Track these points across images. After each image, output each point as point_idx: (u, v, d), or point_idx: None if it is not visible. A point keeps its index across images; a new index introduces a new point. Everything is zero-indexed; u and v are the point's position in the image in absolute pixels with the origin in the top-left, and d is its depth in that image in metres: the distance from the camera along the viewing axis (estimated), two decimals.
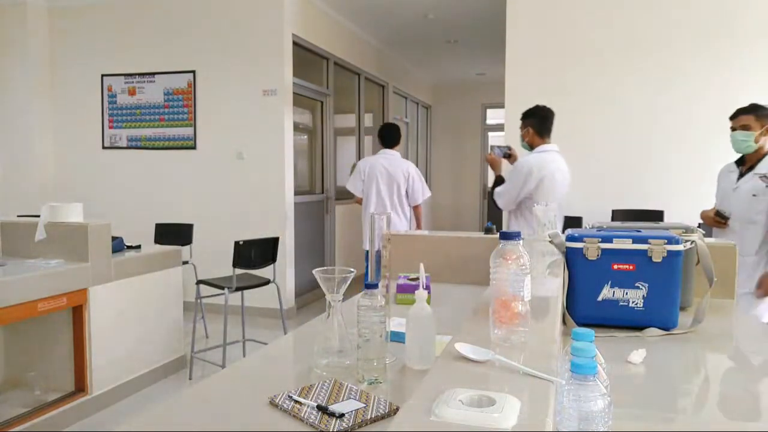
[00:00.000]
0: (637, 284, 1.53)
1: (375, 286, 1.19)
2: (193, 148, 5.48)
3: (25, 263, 3.06)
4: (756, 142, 2.85)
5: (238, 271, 3.77)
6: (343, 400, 1.08)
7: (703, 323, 1.56)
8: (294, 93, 5.39)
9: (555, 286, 1.47)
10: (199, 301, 4.02)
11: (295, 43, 5.38)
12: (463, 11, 6.17)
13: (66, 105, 5.88)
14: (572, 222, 4.27)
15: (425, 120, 10.49)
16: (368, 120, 7.73)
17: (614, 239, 1.55)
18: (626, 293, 1.54)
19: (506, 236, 1.06)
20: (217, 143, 5.41)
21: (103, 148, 5.79)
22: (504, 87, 4.91)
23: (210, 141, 5.44)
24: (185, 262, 4.18)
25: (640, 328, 1.53)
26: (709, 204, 3.19)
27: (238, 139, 5.34)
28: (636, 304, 1.53)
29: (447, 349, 0.95)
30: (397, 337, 1.38)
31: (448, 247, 2.23)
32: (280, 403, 1.07)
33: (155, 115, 5.58)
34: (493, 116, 10.22)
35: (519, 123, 3.49)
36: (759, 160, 2.88)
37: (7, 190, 5.77)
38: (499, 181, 3.48)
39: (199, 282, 3.85)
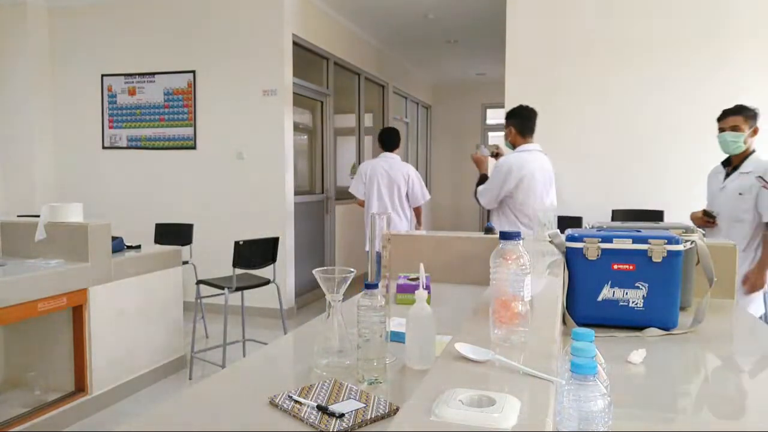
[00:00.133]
0: (637, 284, 1.53)
1: (375, 286, 1.19)
2: (193, 148, 5.48)
3: (25, 263, 3.06)
4: (744, 143, 2.92)
5: (238, 271, 3.77)
6: (343, 400, 1.08)
7: (703, 323, 1.56)
8: (294, 93, 5.39)
9: (555, 286, 1.47)
10: (199, 301, 4.02)
11: (295, 43, 5.38)
12: (463, 11, 6.17)
13: (66, 105, 5.88)
14: (572, 222, 4.27)
15: (425, 120, 10.49)
16: (368, 120, 7.73)
17: (614, 239, 1.55)
18: (626, 293, 1.54)
19: (506, 236, 1.06)
20: (217, 143, 5.41)
21: (103, 148, 5.79)
22: (504, 87, 4.90)
23: (210, 141, 5.44)
24: (185, 262, 4.18)
25: (640, 328, 1.53)
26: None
27: (238, 139, 5.34)
28: (636, 304, 1.53)
29: (447, 349, 0.95)
30: (397, 337, 1.38)
31: (448, 247, 2.23)
32: (280, 403, 1.07)
33: (155, 115, 5.58)
34: (493, 116, 10.22)
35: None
36: (743, 160, 2.96)
37: (7, 190, 5.77)
38: (483, 179, 3.53)
39: (199, 282, 3.85)
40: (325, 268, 1.22)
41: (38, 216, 3.31)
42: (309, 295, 5.89)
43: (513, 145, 3.44)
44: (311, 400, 1.08)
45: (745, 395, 1.20)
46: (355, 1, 5.91)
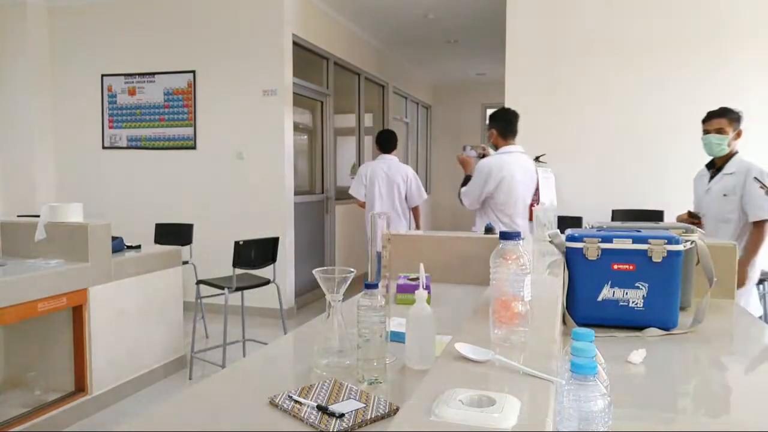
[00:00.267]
0: (637, 284, 1.53)
1: (375, 286, 1.19)
2: (193, 148, 5.48)
3: (25, 263, 3.06)
4: (728, 145, 2.96)
5: (238, 271, 3.77)
6: (343, 400, 1.08)
7: (703, 323, 1.56)
8: (294, 93, 5.39)
9: (555, 286, 1.47)
10: (199, 301, 4.02)
11: (295, 43, 5.38)
12: (463, 11, 6.17)
13: (66, 105, 5.88)
14: (572, 222, 4.27)
15: (425, 120, 10.49)
16: (368, 120, 7.73)
17: (614, 239, 1.55)
18: (626, 293, 1.53)
19: (506, 236, 1.06)
20: (217, 143, 5.41)
21: (103, 148, 5.79)
22: (504, 87, 4.90)
23: (210, 141, 5.44)
24: (185, 262, 4.18)
25: (640, 328, 1.53)
26: None
27: (238, 139, 5.34)
28: (636, 304, 1.53)
29: (447, 349, 0.95)
30: (397, 337, 1.38)
31: (448, 247, 2.23)
32: (280, 403, 1.07)
33: (155, 115, 5.58)
34: None
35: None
36: (726, 161, 3.00)
37: (7, 190, 5.77)
38: (468, 180, 3.59)
39: (199, 282, 3.85)
40: (325, 268, 1.22)
41: (38, 216, 3.31)
42: (309, 295, 5.89)
43: (495, 147, 3.52)
44: (311, 400, 1.08)
45: (745, 395, 1.20)
46: (355, 1, 5.91)
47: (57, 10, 5.82)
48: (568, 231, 1.66)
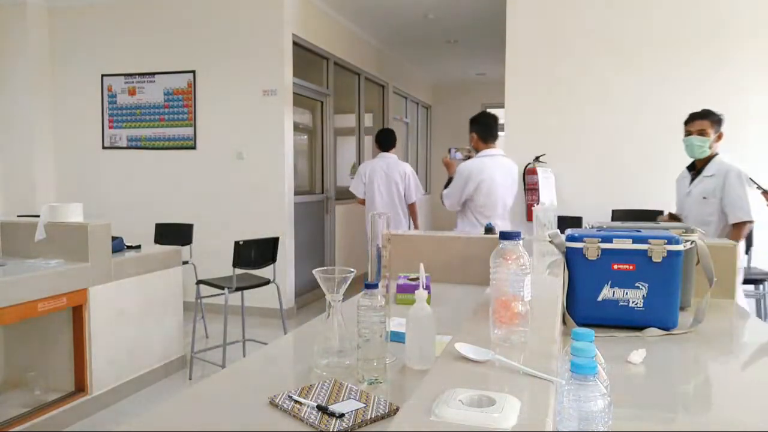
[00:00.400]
0: (637, 284, 1.53)
1: (375, 286, 1.19)
2: (193, 148, 5.48)
3: (25, 263, 3.06)
4: (709, 147, 2.97)
5: (238, 271, 3.77)
6: (343, 400, 1.08)
7: (703, 323, 1.56)
8: (294, 93, 5.39)
9: (555, 286, 1.47)
10: (199, 301, 4.02)
11: (295, 43, 5.38)
12: (463, 11, 6.17)
13: (66, 105, 5.88)
14: (572, 222, 4.27)
15: (425, 120, 10.49)
16: (368, 120, 7.73)
17: (614, 239, 1.55)
18: (626, 293, 1.53)
19: (506, 236, 1.06)
20: (217, 143, 5.41)
21: (103, 148, 5.79)
22: (504, 87, 4.90)
23: (210, 141, 5.44)
24: (185, 262, 4.18)
25: (640, 328, 1.53)
26: None
27: (238, 139, 5.34)
28: (636, 304, 1.53)
29: (447, 349, 0.95)
30: (397, 337, 1.38)
31: (448, 247, 2.23)
32: (280, 403, 1.07)
33: (155, 115, 5.58)
34: None
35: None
36: (706, 163, 3.01)
37: (7, 190, 5.77)
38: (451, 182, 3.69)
39: (199, 282, 3.85)
40: (325, 268, 1.22)
41: (38, 216, 3.31)
42: (309, 295, 5.89)
43: (476, 150, 3.62)
44: (311, 400, 1.08)
45: (745, 395, 1.20)
46: (355, 1, 5.91)
47: (57, 10, 5.82)
48: (568, 231, 1.65)
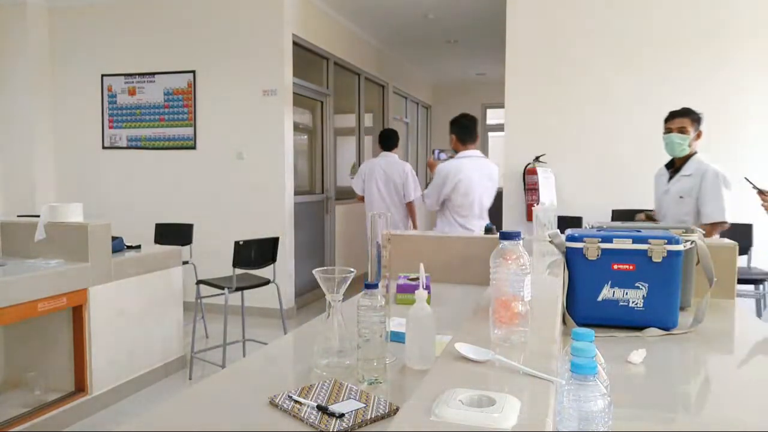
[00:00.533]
0: (637, 284, 1.53)
1: (375, 286, 1.19)
2: (193, 148, 5.48)
3: (25, 263, 3.06)
4: (689, 145, 2.96)
5: (238, 271, 3.77)
6: (343, 400, 1.08)
7: (703, 323, 1.56)
8: (294, 93, 5.39)
9: (555, 286, 1.47)
10: (199, 301, 4.02)
11: (295, 43, 5.38)
12: (463, 11, 6.17)
13: (66, 105, 5.88)
14: (572, 222, 4.27)
15: (425, 120, 10.49)
16: (368, 120, 7.73)
17: (614, 239, 1.55)
18: (626, 293, 1.53)
19: (506, 236, 1.06)
20: (217, 143, 5.41)
21: (103, 148, 5.79)
22: (504, 87, 4.90)
23: (210, 141, 5.44)
24: (185, 262, 4.18)
25: (640, 328, 1.53)
26: None
27: (238, 139, 5.34)
28: (636, 304, 1.53)
29: (447, 349, 0.95)
30: (397, 337, 1.38)
31: (448, 247, 2.23)
32: (280, 403, 1.07)
33: (155, 115, 5.58)
34: (493, 116, 10.22)
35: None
36: (684, 162, 2.99)
37: (7, 190, 5.77)
38: None
39: (199, 282, 3.85)
40: (325, 268, 1.22)
41: (38, 216, 3.31)
42: (309, 295, 5.89)
43: (455, 152, 3.74)
44: (311, 400, 1.08)
45: (744, 395, 1.20)
46: (355, 1, 5.91)
47: (57, 10, 5.82)
48: (568, 231, 1.65)
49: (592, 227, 1.82)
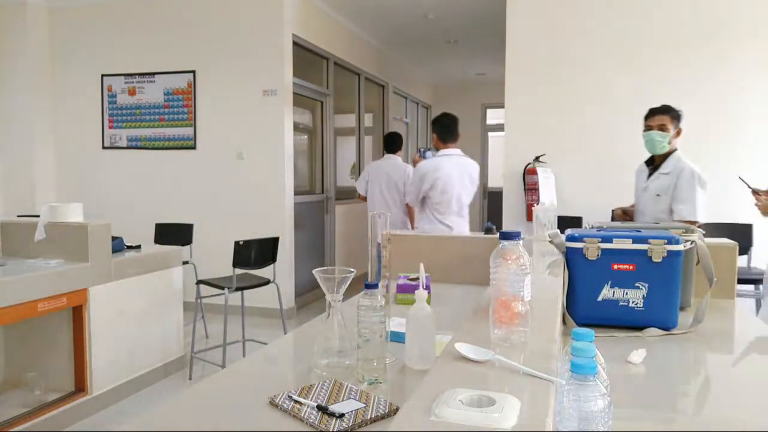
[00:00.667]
0: (637, 284, 1.53)
1: (375, 286, 1.19)
2: (193, 148, 5.48)
3: (25, 263, 3.06)
4: (669, 143, 2.95)
5: (238, 271, 3.77)
6: (343, 400, 1.08)
7: (703, 323, 1.56)
8: (294, 93, 5.39)
9: (555, 286, 1.47)
10: (199, 301, 4.02)
11: (295, 43, 5.38)
12: (463, 11, 6.17)
13: (66, 105, 5.88)
14: (572, 222, 4.27)
15: (425, 120, 10.49)
16: (368, 120, 7.73)
17: (614, 239, 1.55)
18: (626, 293, 1.53)
19: (506, 236, 1.06)
20: (217, 143, 5.41)
21: (103, 148, 5.79)
22: (504, 87, 4.90)
23: (210, 141, 5.44)
24: (185, 262, 4.18)
25: (640, 328, 1.53)
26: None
27: (238, 139, 5.34)
28: (636, 304, 1.53)
29: (447, 349, 0.95)
30: (397, 337, 1.38)
31: (448, 247, 2.23)
32: (280, 403, 1.07)
33: (155, 115, 5.58)
34: (493, 116, 10.22)
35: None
36: (663, 160, 2.98)
37: (7, 190, 5.77)
38: None
39: (199, 282, 3.85)
40: (325, 268, 1.22)
41: (38, 216, 3.31)
42: (309, 295, 5.89)
43: (437, 150, 3.86)
44: (311, 400, 1.08)
45: (744, 395, 1.20)
46: (355, 1, 5.91)
47: (57, 10, 5.82)
48: (568, 231, 1.65)
49: (592, 227, 1.82)
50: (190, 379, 3.73)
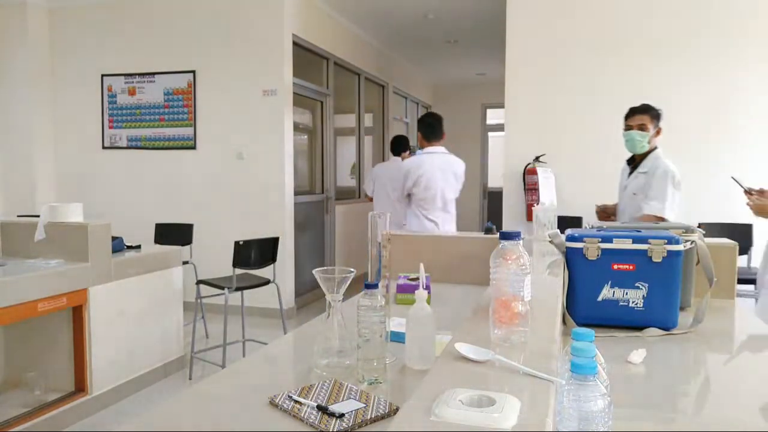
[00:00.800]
0: (637, 284, 1.53)
1: (375, 286, 1.19)
2: (193, 148, 5.48)
3: (25, 263, 3.06)
4: (648, 142, 2.95)
5: (238, 271, 3.77)
6: (343, 400, 1.08)
7: (703, 323, 1.56)
8: (294, 93, 5.39)
9: (555, 286, 1.47)
10: (199, 301, 4.02)
11: (295, 43, 5.38)
12: (463, 11, 6.17)
13: (66, 105, 5.88)
14: (572, 222, 4.26)
15: None
16: (368, 120, 7.73)
17: (614, 239, 1.54)
18: (626, 293, 1.53)
19: (506, 236, 1.06)
20: (217, 143, 5.41)
21: (103, 148, 5.79)
22: (504, 87, 4.90)
23: (210, 141, 5.44)
24: (185, 262, 4.18)
25: (640, 328, 1.53)
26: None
27: (238, 139, 5.34)
28: (636, 304, 1.53)
29: (447, 349, 0.95)
30: (397, 337, 1.38)
31: (448, 247, 2.23)
32: (280, 403, 1.07)
33: (155, 115, 5.58)
34: (493, 116, 10.22)
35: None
36: (643, 159, 2.98)
37: (7, 190, 5.77)
38: None
39: (199, 282, 3.85)
40: (325, 268, 1.22)
41: (38, 216, 3.31)
42: (309, 295, 5.89)
43: (421, 148, 3.99)
44: (311, 400, 1.08)
45: (744, 395, 1.20)
46: (356, 2, 5.91)
47: (57, 10, 5.82)
48: (568, 231, 1.65)
49: (592, 227, 1.82)
50: (190, 379, 3.73)
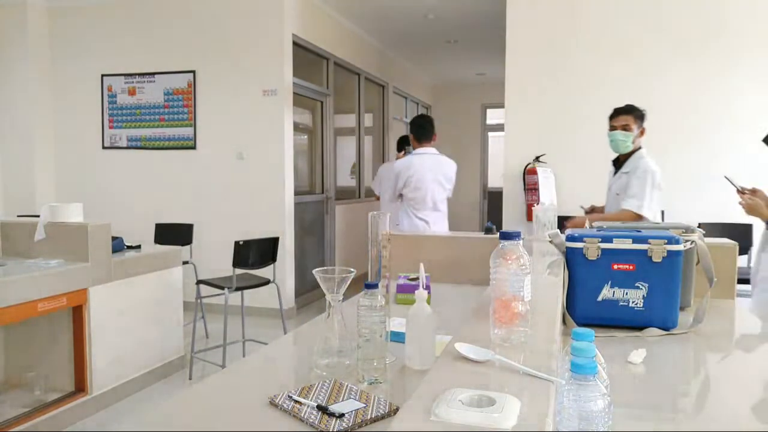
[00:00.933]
0: (637, 284, 1.53)
1: (375, 286, 1.19)
2: (193, 148, 5.48)
3: (25, 263, 3.06)
4: (632, 142, 2.98)
5: (238, 271, 3.77)
6: (343, 400, 1.08)
7: (703, 323, 1.56)
8: (294, 93, 5.39)
9: (555, 286, 1.47)
10: (199, 301, 4.02)
11: (295, 43, 5.38)
12: (463, 11, 6.17)
13: (66, 105, 5.88)
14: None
15: None
16: (368, 120, 7.73)
17: (614, 239, 1.54)
18: (626, 293, 1.53)
19: (506, 236, 1.06)
20: (217, 143, 5.41)
21: (103, 148, 5.79)
22: (504, 87, 4.90)
23: (210, 141, 5.44)
24: (185, 262, 4.18)
25: (640, 328, 1.53)
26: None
27: (238, 139, 5.34)
28: (636, 304, 1.53)
29: (447, 349, 0.95)
30: (397, 337, 1.38)
31: (448, 247, 2.23)
32: (280, 403, 1.07)
33: (155, 115, 5.58)
34: (493, 116, 10.22)
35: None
36: (627, 159, 3.01)
37: (7, 190, 5.77)
38: None
39: (199, 282, 3.85)
40: (325, 268, 1.22)
41: (38, 216, 3.31)
42: (309, 295, 5.89)
43: (413, 149, 4.05)
44: (311, 400, 1.08)
45: (744, 395, 1.20)
46: (356, 2, 5.91)
47: (57, 10, 5.82)
48: (568, 231, 1.65)
49: (592, 227, 1.82)
50: (190, 379, 3.73)
